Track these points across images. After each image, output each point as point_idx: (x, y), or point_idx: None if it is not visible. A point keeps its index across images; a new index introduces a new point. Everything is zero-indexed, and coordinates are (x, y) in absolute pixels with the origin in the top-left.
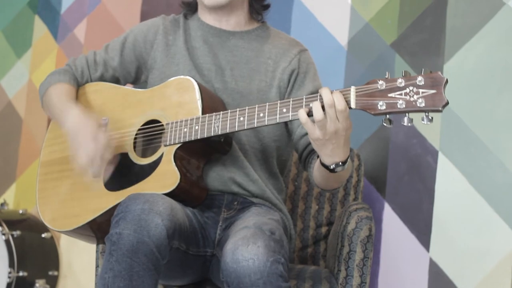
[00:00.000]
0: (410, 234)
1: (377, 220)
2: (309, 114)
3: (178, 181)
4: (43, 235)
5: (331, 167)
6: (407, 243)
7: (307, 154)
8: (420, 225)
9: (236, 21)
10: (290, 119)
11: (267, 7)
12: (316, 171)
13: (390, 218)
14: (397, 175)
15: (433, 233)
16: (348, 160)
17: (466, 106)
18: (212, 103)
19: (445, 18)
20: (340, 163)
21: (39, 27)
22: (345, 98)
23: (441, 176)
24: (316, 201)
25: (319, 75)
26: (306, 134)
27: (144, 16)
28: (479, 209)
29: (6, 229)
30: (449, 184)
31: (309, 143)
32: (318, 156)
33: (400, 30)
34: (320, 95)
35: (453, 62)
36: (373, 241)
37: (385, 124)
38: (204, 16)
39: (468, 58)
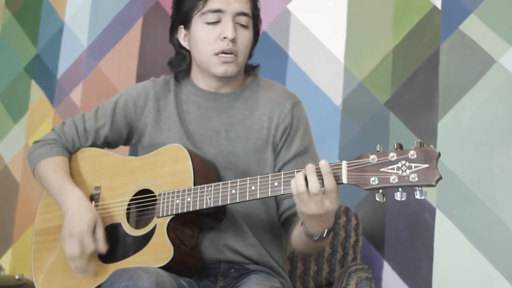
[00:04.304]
0: None
1: (377, 279)
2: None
3: (172, 254)
4: None
5: (315, 238)
6: None
7: (288, 215)
8: (420, 283)
9: (232, 85)
10: (282, 192)
11: (256, 67)
12: (296, 236)
13: (390, 277)
14: (395, 233)
15: None
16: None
17: (461, 163)
18: (205, 172)
19: (437, 76)
20: (326, 231)
21: (36, 92)
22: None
23: (439, 233)
24: (315, 261)
25: (314, 135)
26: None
27: (139, 79)
28: (478, 265)
29: None
30: (448, 241)
31: (293, 205)
32: (300, 222)
33: (393, 88)
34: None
35: (447, 119)
36: None
37: (378, 199)
38: (199, 81)
39: (462, 115)
